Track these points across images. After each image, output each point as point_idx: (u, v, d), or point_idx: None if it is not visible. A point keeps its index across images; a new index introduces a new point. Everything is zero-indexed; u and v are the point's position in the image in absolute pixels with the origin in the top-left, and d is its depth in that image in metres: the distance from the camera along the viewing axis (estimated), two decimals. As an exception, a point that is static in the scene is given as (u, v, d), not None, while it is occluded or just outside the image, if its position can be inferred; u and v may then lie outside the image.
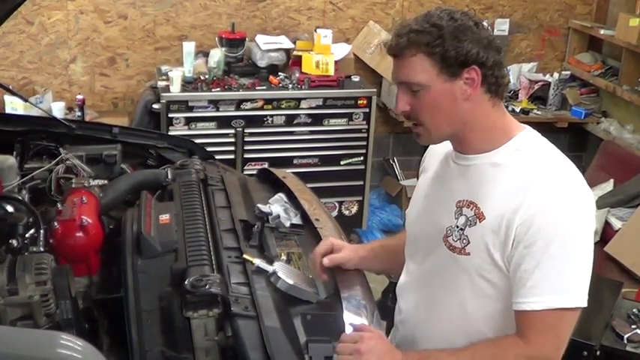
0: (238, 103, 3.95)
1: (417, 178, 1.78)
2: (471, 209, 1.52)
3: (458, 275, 1.55)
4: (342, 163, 4.19)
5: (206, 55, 4.18)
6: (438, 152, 1.69)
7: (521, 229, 1.44)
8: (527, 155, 1.51)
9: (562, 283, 1.43)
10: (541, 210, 1.43)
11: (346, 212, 4.29)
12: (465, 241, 1.52)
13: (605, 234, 3.81)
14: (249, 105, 3.97)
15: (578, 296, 1.44)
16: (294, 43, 4.29)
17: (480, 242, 1.50)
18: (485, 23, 1.52)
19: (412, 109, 1.51)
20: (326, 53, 4.14)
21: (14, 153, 2.41)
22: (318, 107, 4.07)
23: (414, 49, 1.46)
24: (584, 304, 1.45)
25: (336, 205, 4.24)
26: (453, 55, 1.44)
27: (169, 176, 2.26)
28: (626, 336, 2.66)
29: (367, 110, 4.13)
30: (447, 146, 1.63)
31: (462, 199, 1.54)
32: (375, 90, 4.20)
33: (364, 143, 4.18)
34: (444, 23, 1.45)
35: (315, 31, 4.24)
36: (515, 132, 1.55)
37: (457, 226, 1.54)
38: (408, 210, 1.78)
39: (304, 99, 4.04)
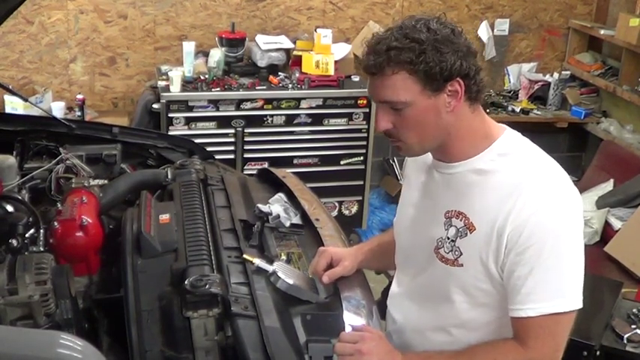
0: (238, 103, 3.95)
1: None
2: (461, 220, 1.50)
3: (452, 286, 1.54)
4: (342, 163, 4.19)
5: (206, 54, 4.18)
6: (418, 158, 1.64)
7: (512, 236, 1.42)
8: (511, 160, 1.48)
9: (556, 288, 1.43)
10: (532, 215, 1.41)
11: (346, 212, 4.29)
12: (457, 253, 1.51)
13: (605, 234, 3.82)
14: (249, 105, 3.97)
15: (573, 299, 1.44)
16: (294, 43, 4.29)
17: (473, 253, 1.48)
18: (459, 28, 1.46)
19: (395, 127, 1.46)
20: (326, 53, 4.14)
21: (14, 153, 2.41)
22: (318, 107, 4.07)
23: (396, 67, 1.40)
24: (580, 306, 1.44)
25: (336, 204, 4.24)
26: (437, 70, 1.40)
27: (169, 176, 2.26)
28: (626, 336, 2.66)
29: (367, 110, 4.13)
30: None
31: (450, 210, 1.52)
32: (375, 90, 4.19)
33: (364, 143, 4.18)
34: (424, 37, 1.39)
35: (315, 30, 4.24)
36: (495, 135, 1.52)
37: (448, 238, 1.52)
38: (395, 220, 1.76)
39: (304, 99, 4.04)
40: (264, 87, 4.06)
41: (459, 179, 1.53)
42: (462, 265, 1.50)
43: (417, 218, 1.64)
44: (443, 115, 1.45)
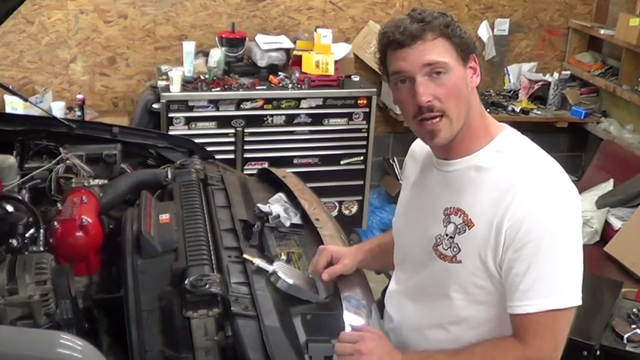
0: (238, 103, 3.95)
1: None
2: (459, 216, 1.51)
3: (450, 283, 1.54)
4: (342, 162, 4.19)
5: (206, 54, 4.18)
6: (417, 157, 1.68)
7: (510, 232, 1.43)
8: (509, 157, 1.50)
9: (555, 285, 1.43)
10: (529, 212, 1.42)
11: (346, 212, 4.29)
12: (455, 249, 1.51)
13: (605, 234, 3.82)
14: (249, 105, 3.97)
15: (571, 296, 1.44)
16: (294, 42, 4.29)
17: (471, 250, 1.49)
18: None
19: (435, 97, 1.45)
20: (326, 53, 4.14)
21: (14, 153, 2.41)
22: (318, 107, 4.07)
23: (435, 32, 1.45)
24: (579, 303, 1.45)
25: (336, 204, 4.24)
26: (465, 40, 1.47)
27: (169, 176, 2.26)
28: (626, 336, 2.66)
29: (367, 110, 4.13)
30: (426, 151, 1.63)
31: (449, 207, 1.53)
32: (375, 90, 4.19)
33: (364, 143, 4.19)
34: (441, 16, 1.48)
35: (315, 30, 4.24)
36: (495, 132, 1.54)
37: (447, 235, 1.53)
38: (394, 219, 1.77)
39: (304, 99, 4.04)
40: (264, 87, 4.06)
41: (458, 176, 1.54)
42: (460, 262, 1.51)
43: (416, 216, 1.65)
44: (469, 90, 1.50)
